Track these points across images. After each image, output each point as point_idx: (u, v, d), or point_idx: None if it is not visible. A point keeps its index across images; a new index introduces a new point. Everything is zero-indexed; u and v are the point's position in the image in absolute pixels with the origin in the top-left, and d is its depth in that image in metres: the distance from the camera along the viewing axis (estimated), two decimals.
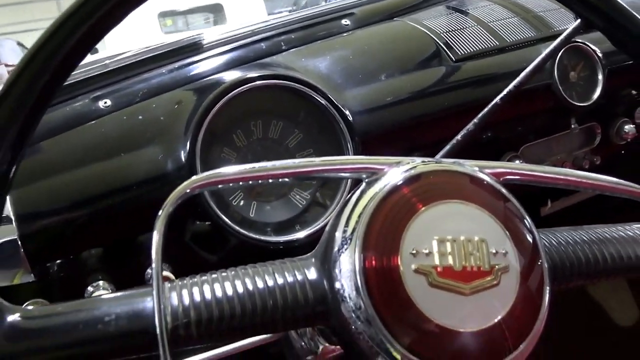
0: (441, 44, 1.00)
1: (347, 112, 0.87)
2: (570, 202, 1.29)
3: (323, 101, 0.86)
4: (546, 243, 0.52)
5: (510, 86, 0.79)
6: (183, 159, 0.79)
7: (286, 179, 0.48)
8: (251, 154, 0.88)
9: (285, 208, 0.89)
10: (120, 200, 0.77)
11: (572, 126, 1.08)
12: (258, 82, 0.84)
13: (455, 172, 0.47)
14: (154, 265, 0.41)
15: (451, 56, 0.98)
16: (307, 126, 0.90)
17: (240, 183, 0.45)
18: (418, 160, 0.48)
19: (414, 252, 0.43)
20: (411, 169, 0.46)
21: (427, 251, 0.43)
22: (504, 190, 0.48)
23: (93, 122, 0.81)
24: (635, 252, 0.53)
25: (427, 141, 0.95)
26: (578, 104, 1.03)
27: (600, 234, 0.55)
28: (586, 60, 1.06)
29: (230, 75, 0.88)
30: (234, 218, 0.84)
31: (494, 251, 0.44)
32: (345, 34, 1.02)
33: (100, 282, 0.77)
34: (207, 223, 0.80)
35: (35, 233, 0.73)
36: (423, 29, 1.02)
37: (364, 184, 0.47)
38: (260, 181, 0.46)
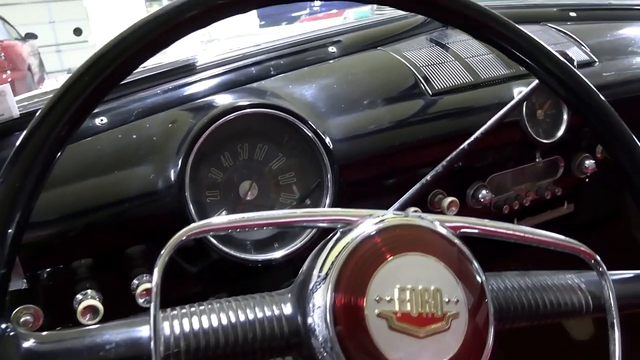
0: (420, 78, 1.06)
1: (328, 140, 0.93)
2: (537, 222, 1.38)
3: (306, 129, 0.92)
4: (494, 287, 0.60)
5: (487, 125, 0.86)
6: (172, 178, 0.84)
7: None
8: (237, 174, 0.93)
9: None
10: (112, 214, 0.82)
11: (537, 159, 1.15)
12: (248, 110, 0.90)
13: (418, 226, 0.54)
14: (152, 302, 0.47)
15: (428, 90, 1.05)
16: (290, 150, 0.96)
17: (229, 231, 0.51)
18: (388, 213, 0.54)
19: (378, 298, 0.49)
20: (380, 222, 0.53)
21: (389, 298, 0.50)
22: (459, 243, 0.55)
23: (89, 138, 0.86)
24: (572, 299, 0.61)
25: (403, 169, 1.02)
26: (543, 140, 1.11)
27: (542, 281, 0.62)
28: (553, 100, 1.13)
29: (222, 100, 0.94)
30: (214, 235, 0.90)
31: (447, 300, 0.51)
32: (331, 61, 1.08)
33: (89, 291, 0.82)
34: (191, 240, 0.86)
35: (31, 242, 0.78)
36: (404, 61, 1.09)
37: (338, 233, 0.53)
38: (247, 229, 0.52)
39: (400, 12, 1.27)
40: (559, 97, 0.66)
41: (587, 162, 1.20)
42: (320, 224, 0.54)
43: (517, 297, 0.59)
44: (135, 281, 0.85)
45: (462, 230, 0.57)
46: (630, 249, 1.78)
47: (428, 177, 0.78)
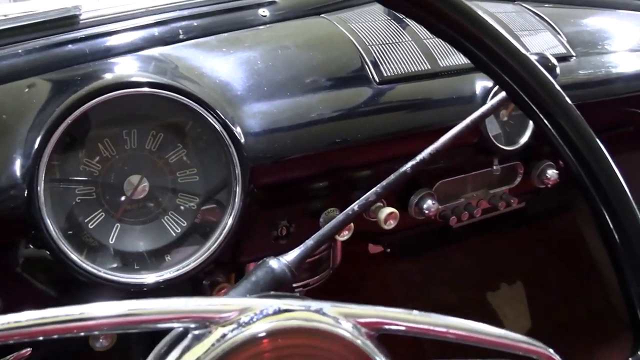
0: (367, 60, 0.87)
1: (238, 131, 0.73)
2: (487, 216, 1.24)
3: (211, 118, 0.72)
4: None
5: (438, 143, 0.67)
6: (19, 171, 0.63)
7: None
8: (121, 167, 0.73)
9: (155, 234, 0.76)
10: None
11: (494, 167, 0.99)
12: (135, 90, 0.68)
13: (311, 330, 0.36)
14: None
15: (375, 76, 0.86)
16: (193, 141, 0.76)
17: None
18: (269, 306, 0.36)
19: None
20: (252, 324, 0.35)
21: None
22: (373, 354, 0.37)
23: None
24: None
25: (331, 172, 0.83)
26: (503, 147, 0.95)
27: None
28: None
29: (107, 69, 0.72)
30: (83, 245, 0.71)
31: None
32: (260, 27, 0.87)
33: None
34: (43, 252, 0.66)
35: None
36: (349, 36, 0.89)
37: (189, 338, 0.35)
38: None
39: None
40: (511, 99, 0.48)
41: (549, 171, 1.05)
42: (160, 324, 0.35)
43: None
44: None
45: (381, 327, 0.39)
46: (577, 242, 1.71)
47: (355, 206, 0.59)
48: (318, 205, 0.86)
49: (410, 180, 0.89)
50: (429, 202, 0.92)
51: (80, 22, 0.75)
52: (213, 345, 0.34)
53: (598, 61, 1.10)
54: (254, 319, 0.35)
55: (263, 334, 0.34)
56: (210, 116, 0.72)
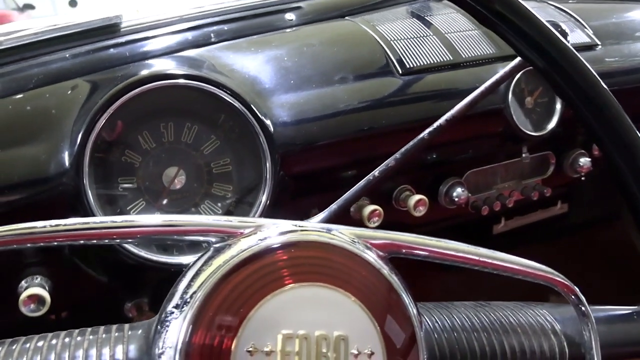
0: (389, 53, 0.90)
1: (269, 122, 0.78)
2: (527, 221, 1.23)
3: (243, 109, 0.76)
4: (437, 327, 0.45)
5: (454, 110, 0.70)
6: (67, 160, 0.69)
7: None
8: (159, 159, 0.78)
9: None
10: None
11: (523, 154, 1.00)
12: (173, 81, 0.74)
13: (324, 244, 0.38)
14: None
15: (398, 68, 0.89)
16: (226, 132, 0.80)
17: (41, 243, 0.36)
18: (283, 225, 0.39)
19: (252, 348, 0.34)
20: (269, 237, 0.38)
21: (268, 349, 0.34)
22: (385, 271, 0.40)
23: None
24: (542, 346, 0.46)
25: (360, 161, 0.86)
26: (531, 132, 0.95)
27: (504, 318, 0.47)
28: (546, 86, 0.97)
29: (145, 68, 0.78)
30: None
31: (355, 352, 0.36)
32: (287, 30, 0.92)
33: None
34: None
35: None
36: (373, 34, 0.93)
37: (211, 250, 0.38)
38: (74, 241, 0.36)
39: None
40: (544, 78, 0.50)
41: (582, 159, 1.04)
42: (186, 237, 0.39)
43: (468, 342, 0.44)
44: (23, 283, 0.71)
45: (394, 251, 0.42)
46: (626, 255, 1.64)
47: (376, 172, 0.62)
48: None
49: (438, 163, 0.92)
50: (459, 190, 0.94)
51: (122, 29, 0.82)
52: (232, 255, 0.37)
53: (625, 50, 1.10)
54: (270, 234, 0.38)
55: (278, 245, 0.37)
56: (241, 106, 0.76)
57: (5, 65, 0.75)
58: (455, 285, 1.10)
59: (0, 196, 0.67)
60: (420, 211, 0.89)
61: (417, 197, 0.88)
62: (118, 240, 0.36)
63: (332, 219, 0.58)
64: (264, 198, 0.77)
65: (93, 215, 0.70)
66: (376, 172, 0.61)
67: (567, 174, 1.06)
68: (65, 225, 0.35)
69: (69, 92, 0.74)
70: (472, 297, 0.52)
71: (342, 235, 0.40)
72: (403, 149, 0.62)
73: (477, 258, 0.43)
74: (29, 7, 9.40)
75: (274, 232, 0.38)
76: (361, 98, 0.85)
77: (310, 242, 0.38)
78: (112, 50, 0.80)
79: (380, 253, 0.41)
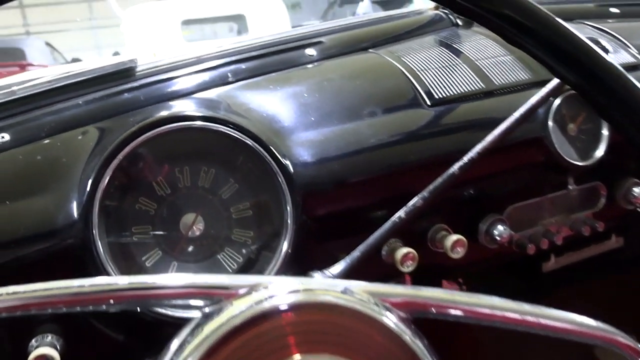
0: (416, 84, 0.85)
1: (288, 163, 0.73)
2: (579, 257, 1.14)
3: (260, 149, 0.72)
4: None
5: (486, 141, 0.64)
6: (76, 210, 0.65)
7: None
8: (175, 206, 0.74)
9: (211, 271, 0.75)
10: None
11: (570, 186, 0.92)
12: (184, 123, 0.71)
13: (333, 306, 0.32)
14: None
15: (426, 99, 0.84)
16: (245, 175, 0.76)
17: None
18: (284, 283, 0.33)
19: None
20: (267, 298, 0.32)
21: None
22: (407, 337, 0.33)
23: None
24: None
25: (387, 200, 0.80)
26: (576, 162, 0.88)
27: None
28: (589, 111, 0.90)
29: (156, 111, 0.75)
30: None
31: None
32: (308, 66, 0.88)
33: None
34: None
35: None
36: (398, 65, 0.88)
37: (200, 317, 0.33)
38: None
39: (402, 10, 1.06)
40: (587, 100, 0.43)
41: (636, 189, 0.95)
42: (171, 300, 0.33)
43: None
44: (33, 342, 0.67)
45: (416, 310, 0.35)
46: None
47: (402, 213, 0.56)
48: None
49: (475, 198, 0.84)
50: (500, 228, 0.86)
51: (137, 73, 0.80)
52: (221, 323, 0.31)
53: None
54: (269, 294, 0.32)
55: (277, 308, 0.31)
56: (259, 147, 0.72)
57: (18, 114, 0.73)
58: (491, 343, 1.01)
59: (5, 250, 0.63)
60: (459, 253, 0.81)
61: (455, 237, 0.81)
62: (91, 308, 0.31)
63: (355, 267, 0.53)
64: (285, 245, 0.72)
65: (104, 268, 0.66)
66: (402, 213, 0.55)
67: (620, 205, 0.97)
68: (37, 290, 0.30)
69: (80, 139, 0.71)
70: (511, 355, 0.45)
71: (355, 293, 0.34)
72: (431, 187, 0.56)
73: (520, 317, 0.36)
74: (77, 60, 9.86)
75: (273, 292, 0.32)
76: (387, 132, 0.80)
77: (316, 303, 0.32)
78: (126, 94, 0.77)
79: (402, 314, 0.34)
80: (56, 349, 0.66)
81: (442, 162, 0.81)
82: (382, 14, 1.07)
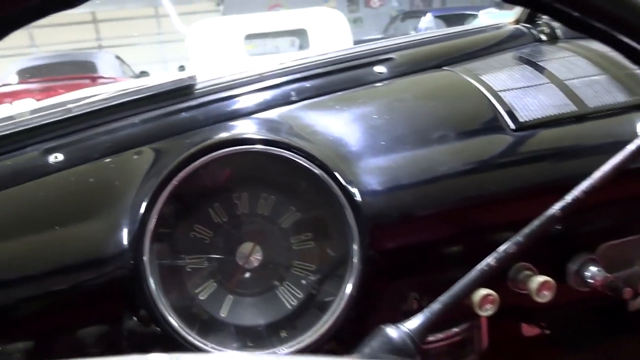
0: (498, 106, 0.77)
1: (355, 191, 0.66)
2: None
3: (324, 175, 0.65)
4: None
5: (594, 178, 0.55)
6: (126, 238, 0.61)
7: None
8: (232, 234, 0.69)
9: (270, 306, 0.69)
10: (42, 287, 0.60)
11: None
12: (244, 147, 0.65)
13: None
14: None
15: (509, 123, 0.75)
16: (307, 203, 0.70)
17: None
18: None
19: None
20: None
21: None
22: None
23: (35, 181, 0.65)
24: None
25: (464, 234, 0.72)
26: None
27: None
28: None
29: (215, 132, 0.70)
30: (193, 318, 0.66)
31: None
32: (377, 84, 0.82)
33: None
34: (151, 326, 0.62)
35: None
36: (476, 85, 0.80)
37: None
38: None
39: (480, 24, 0.98)
40: None
41: None
42: None
43: None
44: None
45: None
46: None
47: (491, 260, 0.48)
48: (454, 274, 0.74)
49: (563, 235, 0.75)
50: (593, 269, 0.76)
51: (195, 91, 0.76)
52: None
53: None
54: None
55: None
56: (323, 173, 0.66)
57: (73, 133, 0.70)
58: None
59: (49, 279, 0.59)
60: (545, 297, 0.72)
61: (541, 279, 0.72)
62: None
63: (435, 323, 0.45)
64: (349, 286, 0.65)
65: (153, 302, 0.61)
66: (492, 260, 0.47)
67: None
68: None
69: (134, 160, 0.67)
70: None
71: None
72: (527, 230, 0.48)
73: None
74: (144, 74, 10.23)
75: None
76: (465, 159, 0.72)
77: None
78: (183, 114, 0.73)
79: None
80: None
81: (527, 193, 0.73)
82: (457, 28, 1.00)
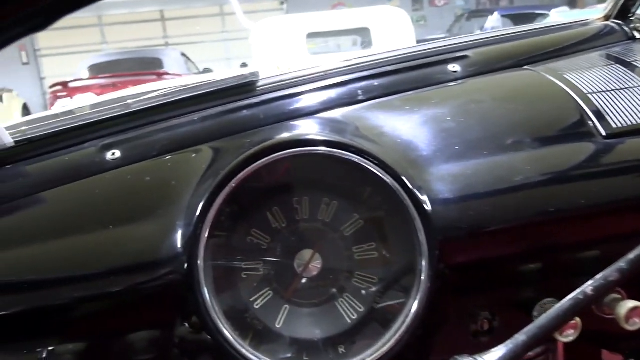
0: (586, 110, 0.69)
1: (425, 199, 0.61)
2: None
3: (392, 182, 0.60)
4: None
5: None
6: (180, 241, 0.58)
7: None
8: (291, 241, 0.65)
9: (328, 319, 0.65)
10: (96, 288, 0.58)
11: None
12: (306, 149, 0.61)
13: None
14: None
15: (600, 129, 0.68)
16: (372, 210, 0.65)
17: None
18: None
19: None
20: None
21: None
22: None
23: (90, 178, 0.63)
24: None
25: (543, 250, 0.65)
26: None
27: None
28: None
29: (276, 132, 0.66)
30: (247, 328, 0.62)
31: None
32: (450, 84, 0.76)
33: None
34: (202, 334, 0.58)
35: None
36: (562, 86, 0.72)
37: None
38: None
39: (566, 20, 0.91)
40: None
41: None
42: None
43: None
44: None
45: None
46: None
47: (588, 288, 0.42)
48: (530, 294, 0.67)
49: None
50: None
51: (258, 88, 0.72)
52: None
53: None
54: None
55: None
56: (391, 180, 0.61)
57: (131, 130, 0.67)
58: None
59: (101, 280, 0.57)
60: (636, 324, 0.64)
61: (631, 304, 0.64)
62: None
63: (518, 357, 0.39)
64: (416, 305, 0.60)
65: (207, 311, 0.57)
66: (589, 288, 0.41)
67: None
68: None
69: (192, 159, 0.64)
70: None
71: None
72: (631, 256, 0.41)
73: None
74: (208, 70, 10.43)
75: None
76: (549, 168, 0.65)
77: None
78: (245, 111, 0.69)
79: None
80: None
81: (618, 210, 0.65)
82: (538, 25, 0.92)
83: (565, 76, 0.75)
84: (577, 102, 0.70)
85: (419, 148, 0.65)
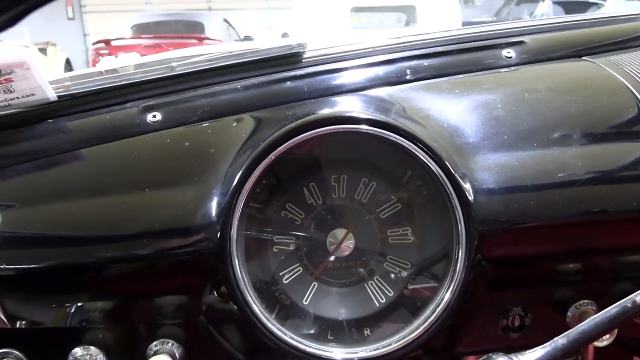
0: None
1: (468, 187, 0.59)
2: None
3: (435, 166, 0.58)
4: None
5: None
6: (215, 210, 0.57)
7: None
8: (325, 218, 0.63)
9: (356, 300, 0.64)
10: (129, 249, 0.57)
11: None
12: (349, 126, 0.59)
13: None
14: None
15: None
16: (411, 194, 0.63)
17: None
18: None
19: None
20: None
21: None
22: None
23: (130, 139, 0.63)
24: None
25: (585, 251, 0.62)
26: None
27: None
28: None
29: (319, 107, 0.64)
30: (274, 302, 0.62)
31: None
32: (503, 70, 0.73)
33: (92, 349, 0.59)
34: (230, 303, 0.58)
35: (16, 274, 0.57)
36: (622, 80, 0.69)
37: None
38: None
39: (624, 10, 0.86)
40: None
41: None
42: None
43: None
44: (153, 346, 0.60)
45: None
46: None
47: (638, 298, 0.39)
48: (566, 294, 0.65)
49: None
50: None
51: (303, 60, 0.70)
52: None
53: None
54: None
55: None
56: (434, 164, 0.59)
57: (173, 93, 0.66)
58: None
59: (134, 242, 0.57)
60: None
61: None
62: None
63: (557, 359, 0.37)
64: (448, 295, 0.58)
65: (236, 282, 0.57)
66: (638, 297, 0.38)
67: None
68: None
69: (232, 128, 0.63)
70: None
71: None
72: None
73: None
74: (248, 38, 10.40)
75: None
76: (600, 166, 0.62)
77: None
78: (288, 83, 0.68)
79: None
80: (175, 357, 0.59)
81: None
82: (600, 14, 0.87)
83: (626, 70, 0.71)
84: (638, 98, 0.67)
85: (466, 134, 0.63)
